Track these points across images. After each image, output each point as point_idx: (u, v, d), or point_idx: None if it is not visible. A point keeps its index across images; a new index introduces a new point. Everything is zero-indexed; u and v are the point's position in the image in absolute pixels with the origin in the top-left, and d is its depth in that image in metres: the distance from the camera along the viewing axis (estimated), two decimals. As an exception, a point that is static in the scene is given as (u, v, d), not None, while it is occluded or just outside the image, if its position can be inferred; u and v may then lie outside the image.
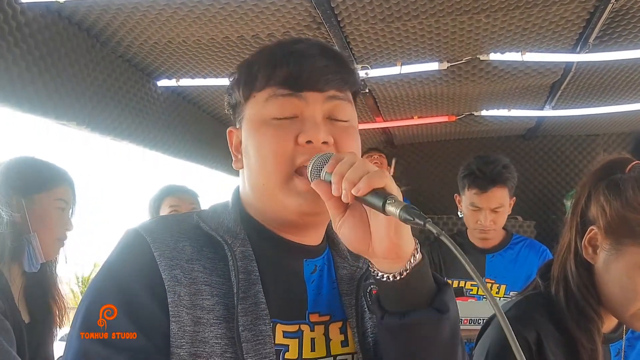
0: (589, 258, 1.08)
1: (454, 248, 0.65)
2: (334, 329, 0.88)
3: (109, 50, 2.11)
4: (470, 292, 2.36)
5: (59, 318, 1.69)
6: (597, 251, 1.07)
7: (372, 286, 0.93)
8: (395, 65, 2.27)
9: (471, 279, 2.38)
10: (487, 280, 2.38)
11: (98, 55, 2.06)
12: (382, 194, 0.72)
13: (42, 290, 1.65)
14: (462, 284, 2.36)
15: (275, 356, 0.78)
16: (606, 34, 2.01)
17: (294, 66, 0.84)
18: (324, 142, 0.83)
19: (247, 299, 0.79)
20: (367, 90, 2.60)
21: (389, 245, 0.75)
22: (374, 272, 0.79)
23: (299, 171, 0.83)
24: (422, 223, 0.67)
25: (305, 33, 1.96)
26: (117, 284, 0.76)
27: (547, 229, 3.55)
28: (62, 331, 1.78)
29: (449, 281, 2.43)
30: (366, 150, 3.67)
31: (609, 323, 1.12)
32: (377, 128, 3.40)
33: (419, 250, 0.78)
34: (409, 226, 0.73)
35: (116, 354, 0.71)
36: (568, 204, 3.48)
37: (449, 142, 3.88)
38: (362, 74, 2.31)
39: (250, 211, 0.90)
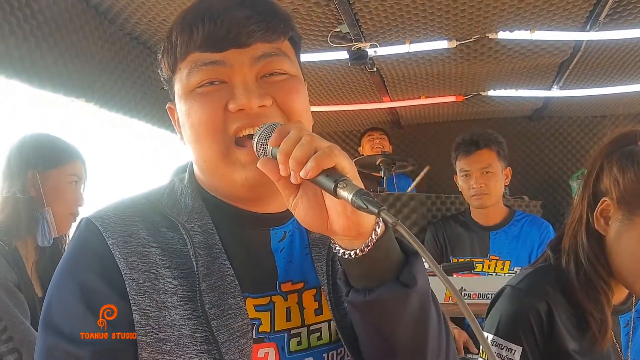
0: (600, 229, 1.09)
1: (411, 238, 0.60)
2: (308, 296, 0.83)
3: (116, 28, 2.11)
4: (476, 269, 2.38)
5: None
6: (609, 222, 1.07)
7: None
8: (404, 43, 2.26)
9: (476, 255, 2.42)
10: (491, 256, 2.40)
11: (106, 32, 2.06)
12: (333, 175, 0.65)
13: (54, 264, 1.67)
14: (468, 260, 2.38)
15: (250, 328, 0.75)
16: (617, 12, 2.00)
17: (210, 23, 0.75)
18: (262, 106, 0.76)
19: (211, 274, 0.76)
20: (375, 69, 2.59)
21: (346, 222, 0.69)
22: (335, 249, 0.73)
23: (239, 142, 0.76)
24: (376, 211, 0.61)
25: (314, 10, 1.96)
26: (74, 277, 0.74)
27: (552, 209, 3.56)
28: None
29: (455, 259, 2.46)
30: (366, 130, 3.65)
31: (619, 295, 1.13)
32: (384, 108, 3.39)
33: (380, 223, 0.71)
34: None
35: (79, 350, 0.70)
36: (574, 185, 3.48)
37: (455, 123, 3.88)
38: (370, 52, 2.30)
39: (204, 186, 0.84)
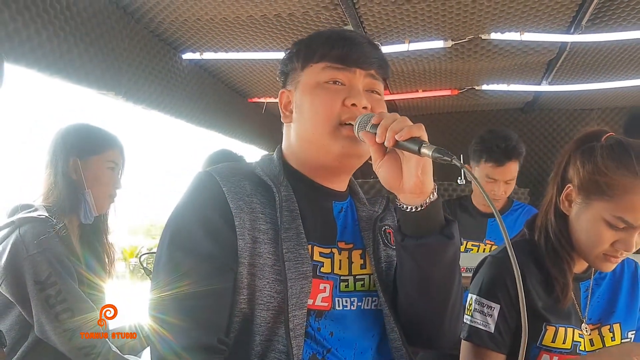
0: (564, 210, 1.31)
1: (474, 179, 0.91)
2: (356, 255, 1.14)
3: (142, 26, 2.30)
4: (471, 252, 2.58)
5: (108, 266, 1.93)
6: (572, 205, 1.30)
7: (385, 227, 1.21)
8: (404, 42, 2.45)
9: (472, 239, 2.62)
10: (487, 241, 2.61)
11: (132, 31, 2.25)
12: (419, 140, 0.95)
13: (95, 239, 1.89)
14: (463, 242, 2.58)
15: (311, 272, 1.03)
16: (597, 17, 2.19)
17: (347, 47, 1.09)
18: (364, 107, 1.08)
19: (289, 229, 1.04)
20: (376, 66, 2.78)
21: (416, 181, 0.99)
22: (399, 204, 1.03)
23: (342, 125, 1.07)
24: (450, 159, 0.91)
25: (323, 13, 2.15)
26: (197, 212, 1.01)
27: (540, 196, 3.76)
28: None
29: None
30: None
31: (580, 265, 1.35)
32: (384, 100, 3.56)
33: (436, 191, 1.02)
34: (432, 170, 1.00)
35: (200, 262, 0.97)
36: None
37: (451, 114, 4.06)
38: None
39: (291, 162, 1.15)
